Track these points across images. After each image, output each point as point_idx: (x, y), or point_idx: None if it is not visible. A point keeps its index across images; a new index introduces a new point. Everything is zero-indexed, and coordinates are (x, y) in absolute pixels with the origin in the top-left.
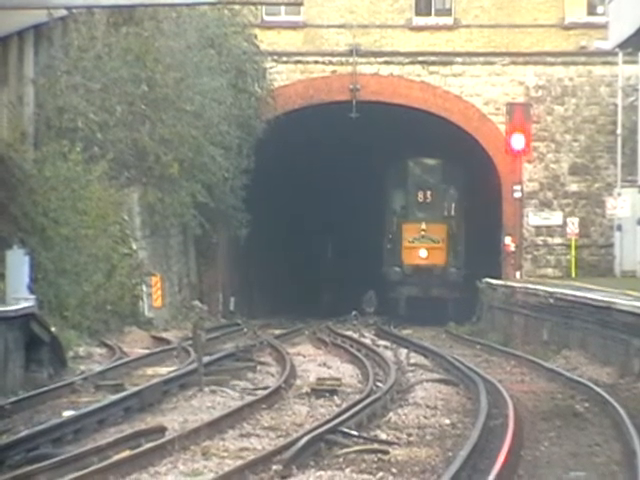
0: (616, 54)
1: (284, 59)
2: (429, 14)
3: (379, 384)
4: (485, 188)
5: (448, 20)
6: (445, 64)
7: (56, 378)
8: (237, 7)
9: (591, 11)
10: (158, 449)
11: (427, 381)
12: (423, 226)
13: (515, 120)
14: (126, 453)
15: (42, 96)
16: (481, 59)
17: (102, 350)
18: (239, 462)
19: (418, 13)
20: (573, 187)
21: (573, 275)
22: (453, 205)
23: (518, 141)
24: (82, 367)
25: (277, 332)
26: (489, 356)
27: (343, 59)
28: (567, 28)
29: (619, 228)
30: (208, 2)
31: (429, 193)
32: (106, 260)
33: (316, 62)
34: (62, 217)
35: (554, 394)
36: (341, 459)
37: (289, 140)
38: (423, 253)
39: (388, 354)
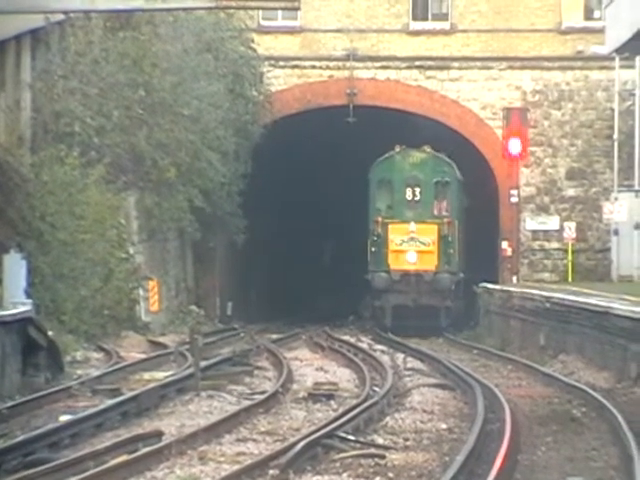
0: (613, 59)
1: (281, 64)
2: (426, 19)
3: (376, 389)
4: (482, 192)
5: (445, 25)
6: (442, 69)
7: (53, 382)
8: (234, 11)
9: (588, 16)
10: (155, 454)
11: (424, 386)
12: (412, 227)
13: (512, 125)
14: (123, 458)
15: (39, 100)
16: (478, 64)
17: (99, 354)
18: (236, 467)
19: (415, 18)
20: (570, 192)
21: (570, 280)
22: (445, 203)
23: (515, 146)
24: (79, 371)
25: (274, 337)
26: (486, 361)
27: (340, 64)
28: (564, 33)
29: (616, 233)
30: (205, 7)
31: (418, 190)
32: (103, 264)
33: (313, 67)
34: (59, 221)
35: (551, 399)
36: (338, 464)
37: (286, 145)
38: (412, 257)
39: (385, 359)
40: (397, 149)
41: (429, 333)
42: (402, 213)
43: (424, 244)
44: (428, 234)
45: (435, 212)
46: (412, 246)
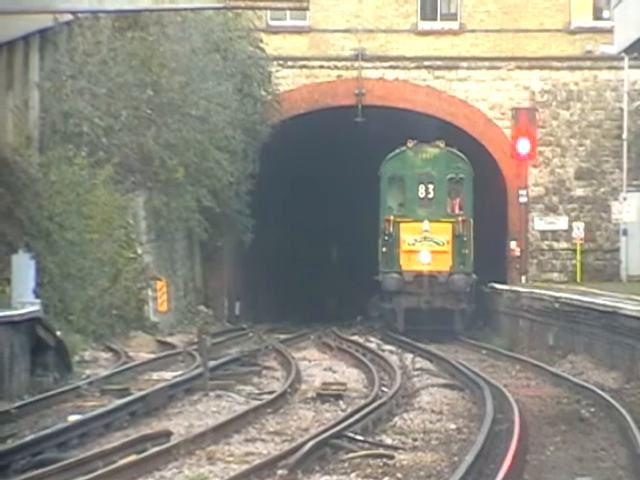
0: (622, 59)
1: (289, 64)
2: (435, 19)
3: (384, 389)
4: (490, 192)
5: (454, 25)
6: (450, 69)
7: (61, 382)
8: (242, 11)
9: (597, 16)
10: (164, 453)
11: (432, 386)
12: (425, 226)
13: (520, 125)
14: (132, 457)
15: (47, 100)
16: (486, 64)
17: (107, 354)
18: (244, 467)
19: (424, 18)
20: (579, 192)
21: (579, 280)
22: (459, 201)
23: (524, 146)
24: (87, 371)
25: (282, 337)
26: (494, 361)
27: (348, 64)
28: (573, 33)
29: (625, 233)
30: (213, 7)
31: (432, 187)
32: (111, 264)
33: (321, 67)
34: (67, 221)
35: (560, 399)
36: (346, 464)
37: (294, 144)
38: (425, 257)
39: (393, 359)
40: (409, 144)
41: (443, 338)
42: (415, 211)
43: (438, 244)
44: (442, 233)
45: (449, 210)
46: (425, 246)
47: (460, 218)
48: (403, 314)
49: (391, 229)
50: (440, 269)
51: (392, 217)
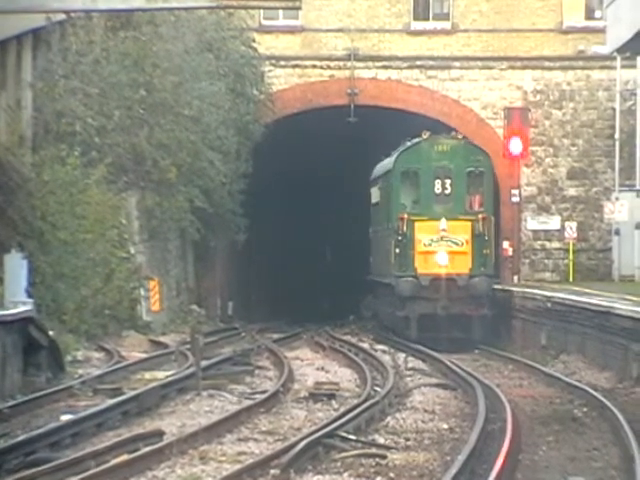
0: (614, 58)
1: (282, 63)
2: (427, 19)
3: (377, 388)
4: None
5: (446, 25)
6: (443, 68)
7: (54, 382)
8: (235, 11)
9: (589, 15)
10: (156, 453)
11: (425, 385)
12: (442, 224)
13: (513, 124)
14: (124, 457)
15: (40, 100)
16: (479, 63)
17: (100, 354)
18: (237, 466)
19: (416, 17)
20: (571, 191)
21: (571, 279)
22: (479, 197)
23: (516, 145)
24: (80, 371)
25: (275, 336)
26: (487, 360)
27: (341, 63)
28: (565, 32)
29: (617, 232)
30: (206, 6)
31: (449, 182)
32: (104, 264)
33: (314, 66)
34: (60, 221)
35: (552, 399)
36: (339, 463)
37: (287, 144)
38: (442, 259)
39: (386, 358)
40: (424, 135)
41: (462, 347)
42: (430, 209)
43: (456, 244)
44: (461, 232)
45: (468, 207)
46: (443, 246)
47: (480, 215)
48: (417, 321)
49: (405, 228)
50: (459, 271)
51: (406, 215)
